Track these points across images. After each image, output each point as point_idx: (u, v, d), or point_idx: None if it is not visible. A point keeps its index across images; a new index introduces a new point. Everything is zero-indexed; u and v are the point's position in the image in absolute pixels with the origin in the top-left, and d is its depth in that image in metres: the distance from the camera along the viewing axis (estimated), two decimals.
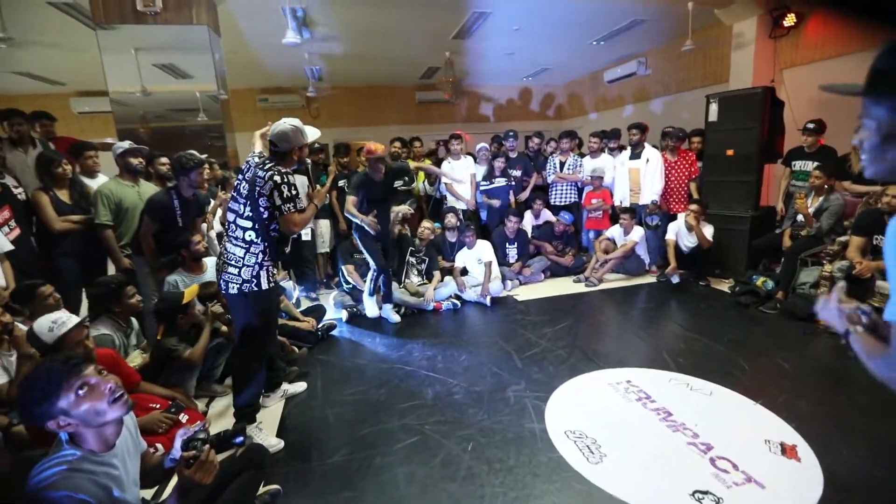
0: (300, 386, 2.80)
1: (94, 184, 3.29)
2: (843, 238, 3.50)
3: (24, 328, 1.95)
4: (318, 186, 4.79)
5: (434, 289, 4.17)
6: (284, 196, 2.06)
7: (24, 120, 3.35)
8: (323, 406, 2.58)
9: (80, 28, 4.61)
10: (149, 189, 3.24)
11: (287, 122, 2.15)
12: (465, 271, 4.43)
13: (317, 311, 3.75)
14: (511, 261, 4.82)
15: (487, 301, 4.19)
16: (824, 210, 3.70)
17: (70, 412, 1.10)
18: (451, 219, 4.57)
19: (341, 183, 4.89)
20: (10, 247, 2.60)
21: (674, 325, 3.57)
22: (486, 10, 5.14)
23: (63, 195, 3.00)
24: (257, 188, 2.06)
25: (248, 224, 2.12)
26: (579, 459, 2.00)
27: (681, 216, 4.59)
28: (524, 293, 4.52)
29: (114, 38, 3.85)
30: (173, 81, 4.19)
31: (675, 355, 2.96)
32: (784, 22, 5.06)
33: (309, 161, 4.74)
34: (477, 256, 4.36)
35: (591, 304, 4.25)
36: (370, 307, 3.89)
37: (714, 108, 4.59)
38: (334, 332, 3.69)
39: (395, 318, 3.91)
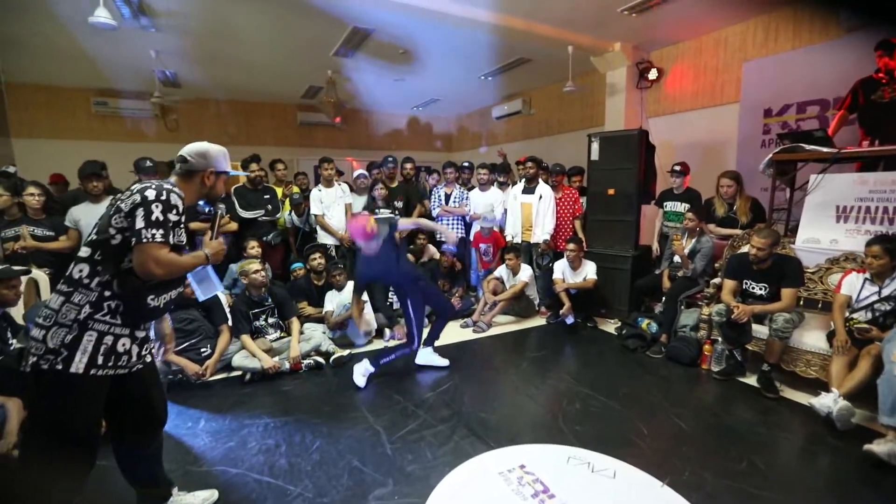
0: (204, 496, 1.87)
1: None
2: (716, 280, 3.54)
3: None
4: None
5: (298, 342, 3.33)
6: (152, 218, 1.34)
7: None
8: None
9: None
10: None
11: (211, 145, 1.64)
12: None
13: None
14: (395, 306, 4.17)
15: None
16: (697, 252, 3.76)
17: None
18: (317, 259, 3.82)
19: None
20: None
21: (567, 379, 3.22)
22: (367, 26, 4.65)
23: None
24: (117, 203, 1.40)
25: (86, 252, 1.38)
26: None
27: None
28: None
29: None
30: None
31: (572, 422, 2.54)
32: (648, 75, 5.44)
33: None
34: (347, 301, 3.65)
35: (479, 354, 3.78)
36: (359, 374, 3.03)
37: (595, 146, 4.61)
38: None
39: (443, 361, 3.35)
